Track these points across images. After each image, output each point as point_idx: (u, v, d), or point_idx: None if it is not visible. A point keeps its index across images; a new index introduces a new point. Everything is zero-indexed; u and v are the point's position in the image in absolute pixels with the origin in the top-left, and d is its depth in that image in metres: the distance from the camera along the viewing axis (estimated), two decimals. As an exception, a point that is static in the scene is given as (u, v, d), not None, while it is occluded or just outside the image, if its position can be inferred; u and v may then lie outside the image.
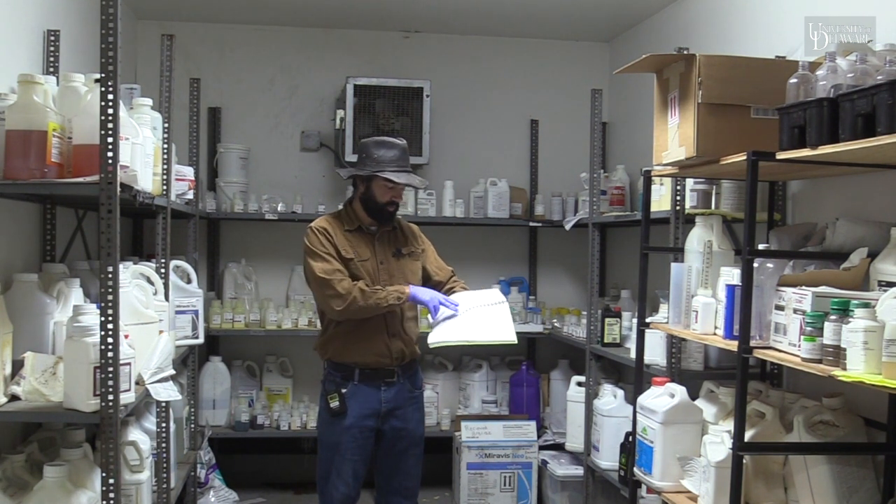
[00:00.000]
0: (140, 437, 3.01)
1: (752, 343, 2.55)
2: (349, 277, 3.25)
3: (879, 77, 2.08)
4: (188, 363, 4.33)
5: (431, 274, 3.50)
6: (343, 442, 3.30)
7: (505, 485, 4.59)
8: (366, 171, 3.30)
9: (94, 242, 3.58)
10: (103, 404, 2.27)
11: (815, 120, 2.27)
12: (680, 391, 3.10)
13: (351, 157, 4.82)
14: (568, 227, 4.84)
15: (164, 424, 3.51)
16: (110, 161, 2.24)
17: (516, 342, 3.22)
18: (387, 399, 3.35)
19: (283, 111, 5.29)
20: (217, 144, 5.12)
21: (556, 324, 5.04)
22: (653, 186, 3.55)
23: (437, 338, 3.18)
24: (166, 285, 3.51)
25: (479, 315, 3.25)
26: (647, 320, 3.40)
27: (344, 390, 3.29)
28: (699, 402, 3.16)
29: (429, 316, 3.34)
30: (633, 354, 3.64)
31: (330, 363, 3.36)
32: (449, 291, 3.45)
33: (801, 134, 2.34)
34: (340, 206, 3.53)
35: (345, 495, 3.32)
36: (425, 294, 3.28)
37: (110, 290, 2.26)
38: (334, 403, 3.28)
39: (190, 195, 4.06)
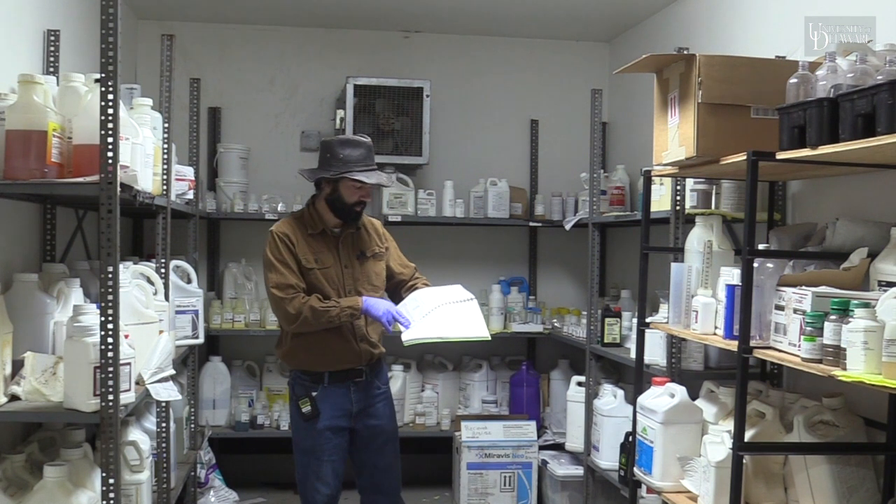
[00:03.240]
0: (140, 437, 3.01)
1: (752, 343, 2.55)
2: (305, 290, 3.20)
3: (879, 77, 2.09)
4: (188, 363, 4.33)
5: (395, 272, 3.44)
6: (319, 445, 3.28)
7: (505, 485, 4.59)
8: (333, 172, 3.22)
9: (94, 242, 3.58)
10: (103, 404, 2.27)
11: (815, 120, 2.27)
12: (680, 391, 3.10)
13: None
14: (568, 227, 4.84)
15: (164, 424, 3.51)
16: (110, 161, 2.24)
17: (490, 338, 3.21)
18: (357, 399, 3.33)
19: (283, 111, 5.29)
20: (217, 144, 5.12)
21: (556, 324, 5.04)
22: (653, 186, 3.54)
23: (411, 335, 3.13)
24: (166, 285, 3.51)
25: (449, 312, 3.20)
26: (647, 320, 3.40)
27: (314, 393, 3.27)
28: (699, 402, 3.16)
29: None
30: (633, 354, 3.64)
31: (298, 369, 3.33)
32: (411, 288, 3.40)
33: (801, 134, 2.34)
34: (299, 207, 3.45)
35: (328, 496, 3.30)
36: (379, 308, 3.20)
37: (110, 290, 2.26)
38: (306, 408, 3.26)
39: (190, 195, 4.06)
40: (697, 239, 3.03)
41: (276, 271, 3.17)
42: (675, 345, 3.37)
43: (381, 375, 3.45)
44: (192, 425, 4.33)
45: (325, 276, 3.24)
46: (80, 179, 2.31)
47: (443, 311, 3.19)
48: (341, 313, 3.16)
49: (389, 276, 3.43)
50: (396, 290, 3.44)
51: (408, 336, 3.13)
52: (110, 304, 2.26)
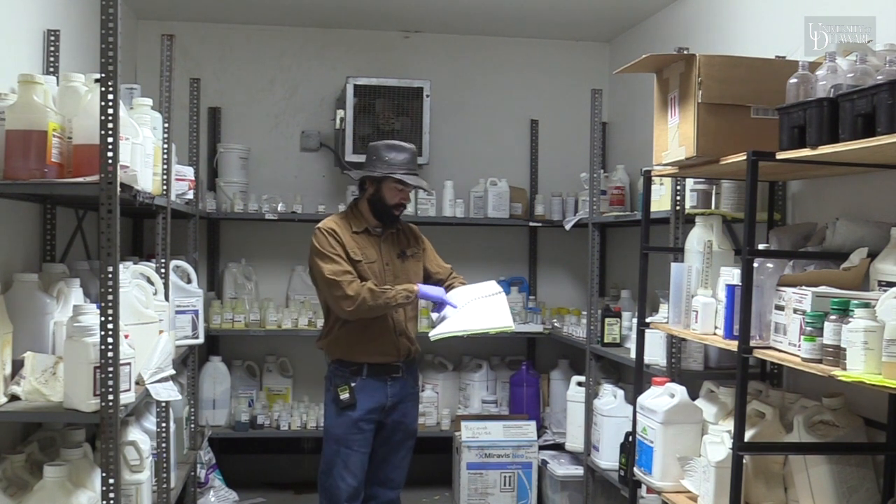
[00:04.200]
0: (140, 437, 3.01)
1: (752, 343, 2.55)
2: (358, 278, 3.33)
3: (879, 77, 2.08)
4: (188, 363, 4.33)
5: (432, 272, 3.60)
6: (351, 435, 3.38)
7: (505, 485, 4.59)
8: (378, 172, 3.38)
9: (94, 242, 3.57)
10: (103, 404, 2.27)
11: (815, 120, 2.27)
12: (680, 391, 3.10)
13: (351, 157, 4.82)
14: (568, 227, 4.84)
15: (164, 424, 3.50)
16: (110, 161, 2.24)
17: (513, 327, 3.37)
18: (392, 393, 3.45)
19: (283, 111, 5.28)
20: (217, 144, 5.12)
21: (556, 324, 5.04)
22: (653, 186, 3.54)
23: (437, 331, 3.30)
24: (166, 285, 3.51)
25: (476, 307, 3.35)
26: (647, 320, 3.40)
27: (353, 384, 3.38)
28: (699, 402, 3.16)
29: (431, 314, 3.46)
30: (633, 354, 3.64)
31: (337, 361, 3.44)
32: (448, 287, 3.55)
33: (801, 134, 2.34)
34: (341, 207, 3.58)
35: (353, 487, 3.39)
36: (433, 291, 3.41)
37: (110, 290, 2.26)
38: (345, 395, 3.36)
39: (190, 195, 4.05)
40: (697, 239, 3.03)
41: (330, 261, 3.30)
42: (675, 345, 3.37)
43: (416, 375, 3.64)
44: (192, 425, 4.33)
45: (370, 270, 3.38)
46: (80, 179, 2.31)
47: (470, 307, 3.35)
48: (397, 295, 3.30)
49: (426, 276, 3.58)
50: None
51: (434, 332, 3.30)
52: (110, 304, 2.26)
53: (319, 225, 3.41)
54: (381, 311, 3.31)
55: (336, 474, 3.39)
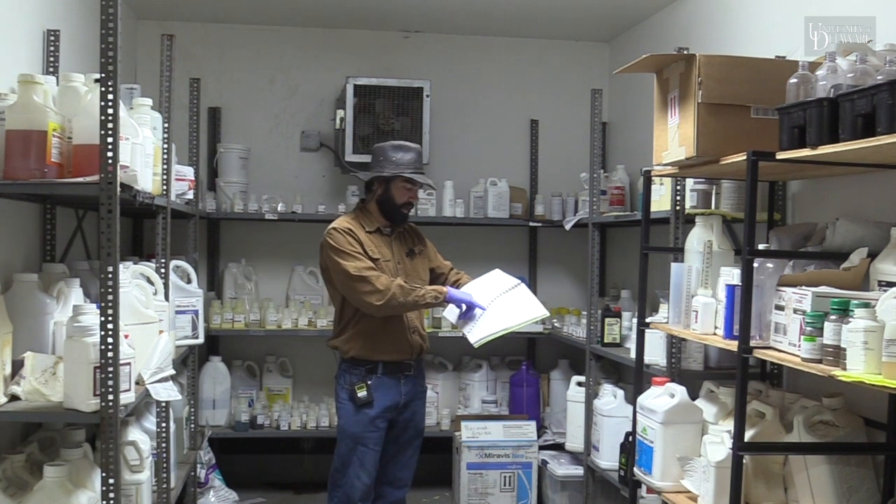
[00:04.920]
0: (140, 437, 3.01)
1: (752, 343, 2.55)
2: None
3: (879, 77, 2.08)
4: (188, 363, 4.33)
5: (434, 267, 3.65)
6: (368, 433, 3.41)
7: (505, 485, 4.59)
8: (387, 172, 3.42)
9: (94, 242, 3.57)
10: (103, 404, 2.27)
11: (815, 120, 2.27)
12: (680, 391, 3.10)
13: (351, 158, 4.82)
14: (568, 227, 4.84)
15: (164, 424, 3.50)
16: (110, 161, 2.24)
17: (549, 314, 3.46)
18: (406, 391, 3.49)
19: (283, 111, 5.29)
20: (217, 144, 5.12)
21: (556, 324, 5.04)
22: (653, 186, 3.54)
23: (478, 336, 3.28)
24: (166, 285, 3.51)
25: (504, 303, 3.36)
26: (647, 320, 3.40)
27: (369, 382, 3.40)
28: (699, 402, 3.16)
29: (457, 320, 3.43)
30: (633, 354, 3.64)
31: (350, 359, 3.44)
32: (456, 283, 3.59)
33: (801, 134, 2.34)
34: (342, 207, 3.59)
35: (367, 486, 3.42)
36: (462, 294, 3.42)
37: (110, 290, 2.26)
38: (362, 393, 3.38)
39: (190, 195, 4.06)
40: (697, 239, 3.03)
41: (353, 258, 3.32)
42: (675, 345, 3.37)
43: (423, 373, 3.67)
44: (192, 425, 4.33)
45: (386, 268, 3.41)
46: (80, 179, 2.31)
47: (499, 304, 3.35)
48: (426, 295, 3.33)
49: (429, 272, 3.63)
50: (436, 283, 3.60)
51: (475, 337, 3.28)
52: (110, 304, 2.26)
53: (334, 225, 3.42)
54: (408, 308, 3.34)
55: (352, 472, 3.40)
